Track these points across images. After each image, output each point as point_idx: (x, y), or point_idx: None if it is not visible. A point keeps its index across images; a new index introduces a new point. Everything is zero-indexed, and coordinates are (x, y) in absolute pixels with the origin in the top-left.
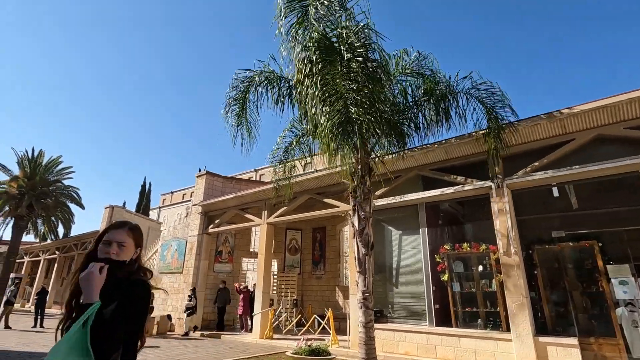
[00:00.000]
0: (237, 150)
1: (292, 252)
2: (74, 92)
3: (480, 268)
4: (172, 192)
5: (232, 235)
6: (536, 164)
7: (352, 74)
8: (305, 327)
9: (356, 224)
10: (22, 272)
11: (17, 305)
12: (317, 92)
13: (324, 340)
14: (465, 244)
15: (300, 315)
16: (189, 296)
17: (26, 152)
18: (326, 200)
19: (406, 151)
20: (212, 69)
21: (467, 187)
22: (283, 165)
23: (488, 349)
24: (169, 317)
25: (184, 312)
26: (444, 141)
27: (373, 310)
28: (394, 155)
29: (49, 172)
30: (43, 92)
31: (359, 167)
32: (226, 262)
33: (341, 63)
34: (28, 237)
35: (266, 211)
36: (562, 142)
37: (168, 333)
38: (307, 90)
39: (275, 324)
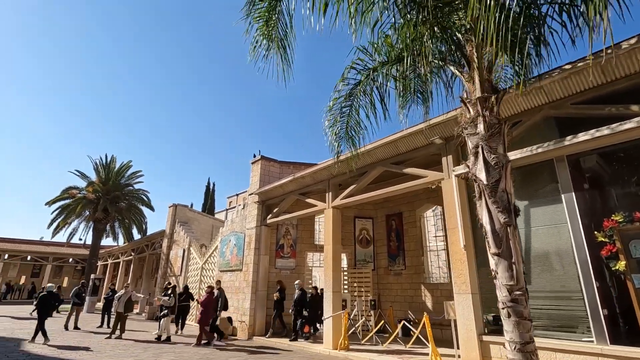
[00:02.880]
0: (299, 146)
1: (364, 245)
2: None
3: None
4: (237, 195)
5: (293, 226)
6: None
7: None
8: (392, 337)
9: (483, 176)
10: (106, 274)
11: (98, 304)
12: None
13: (419, 354)
14: None
15: (382, 321)
16: (167, 294)
17: (100, 158)
18: (407, 170)
19: (532, 79)
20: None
21: None
22: (345, 117)
23: None
24: (229, 319)
25: (159, 312)
26: (601, 53)
27: (530, 321)
28: (525, 84)
29: (121, 176)
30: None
31: (476, 86)
32: (289, 256)
33: None
34: (108, 241)
35: (330, 193)
36: None
37: (230, 337)
38: None
39: (351, 330)
